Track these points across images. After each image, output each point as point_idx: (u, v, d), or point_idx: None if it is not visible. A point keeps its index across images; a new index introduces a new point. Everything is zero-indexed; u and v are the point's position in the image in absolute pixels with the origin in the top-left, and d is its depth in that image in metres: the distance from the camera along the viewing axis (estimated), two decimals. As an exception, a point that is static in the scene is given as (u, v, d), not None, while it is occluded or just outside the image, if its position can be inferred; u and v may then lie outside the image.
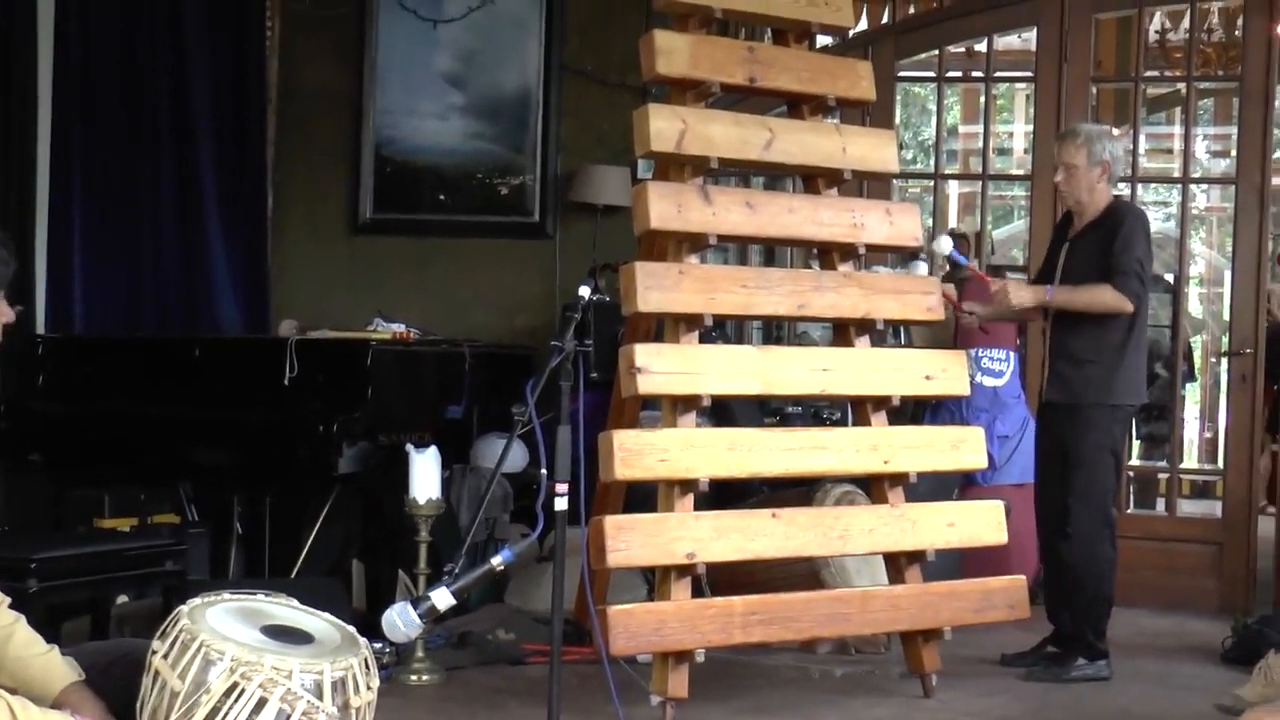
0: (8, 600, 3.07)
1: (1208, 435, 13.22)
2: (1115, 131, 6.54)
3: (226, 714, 2.68)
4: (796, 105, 6.05)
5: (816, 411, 7.44)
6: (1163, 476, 8.95)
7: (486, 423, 7.18)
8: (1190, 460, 7.33)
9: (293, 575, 6.56)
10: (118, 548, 5.70)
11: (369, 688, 2.89)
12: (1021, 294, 6.08)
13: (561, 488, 4.10)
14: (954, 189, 15.23)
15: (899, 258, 7.58)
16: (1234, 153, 8.29)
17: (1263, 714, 2.92)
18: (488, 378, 7.23)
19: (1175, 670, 6.19)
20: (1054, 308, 6.06)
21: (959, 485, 7.09)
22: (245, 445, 6.45)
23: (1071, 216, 6.23)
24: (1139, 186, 8.32)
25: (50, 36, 7.87)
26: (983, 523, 5.87)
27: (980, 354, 7.56)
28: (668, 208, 5.40)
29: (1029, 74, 8.55)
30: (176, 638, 2.81)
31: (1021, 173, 11.82)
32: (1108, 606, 6.02)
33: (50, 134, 7.88)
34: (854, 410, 6.08)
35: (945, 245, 5.99)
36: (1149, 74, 9.27)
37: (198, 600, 2.95)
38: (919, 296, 6.00)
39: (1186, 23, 9.09)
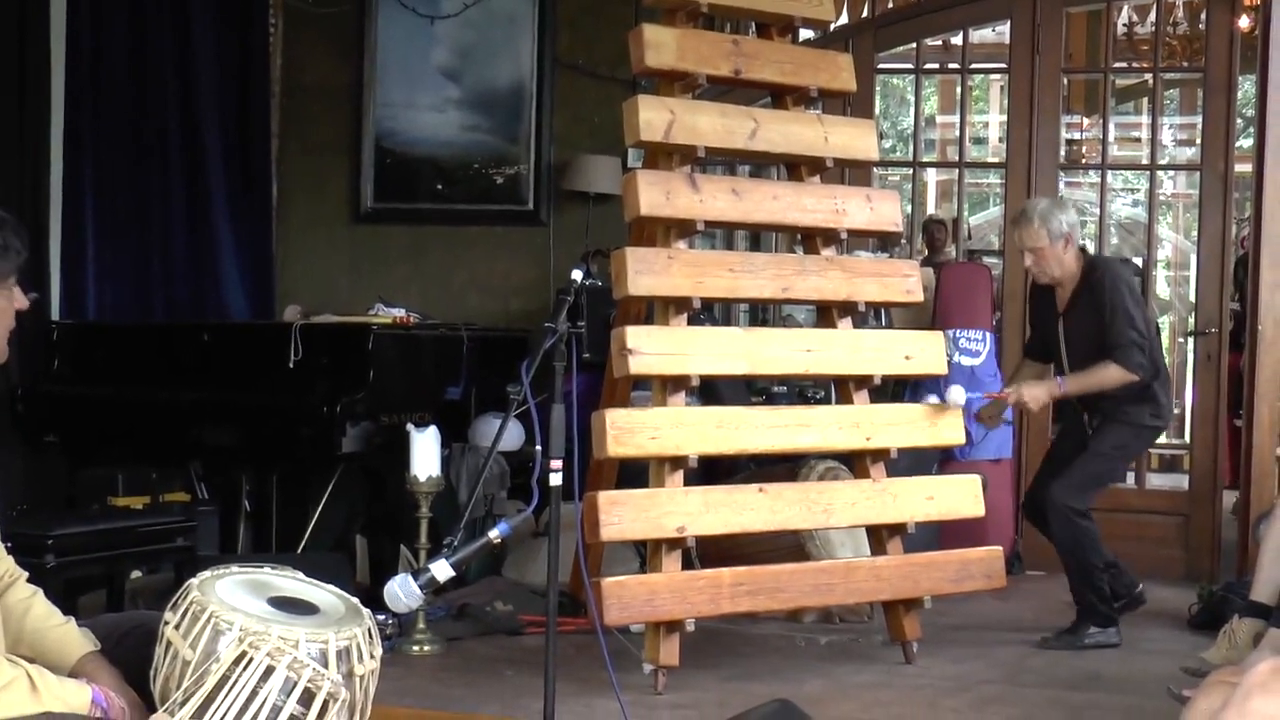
0: (25, 574, 3.11)
1: (1175, 412, 13.28)
2: (1067, 201, 6.62)
3: (235, 681, 2.64)
4: (780, 96, 6.09)
5: (801, 390, 7.46)
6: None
7: (484, 403, 7.21)
8: (1159, 437, 7.42)
9: (299, 550, 6.63)
10: (131, 525, 5.81)
11: (372, 657, 2.88)
12: (1036, 394, 6.12)
13: (556, 464, 4.08)
14: (931, 176, 15.32)
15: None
16: (1199, 141, 8.37)
17: (1226, 675, 3.04)
18: (484, 360, 7.26)
19: (1144, 635, 6.25)
20: (1066, 396, 6.14)
21: (937, 460, 7.18)
22: (252, 426, 6.54)
23: (1047, 288, 6.30)
24: (1109, 173, 8.41)
25: (62, 35, 7.93)
26: (961, 496, 5.93)
27: (958, 334, 7.62)
28: (657, 195, 5.45)
29: (1003, 65, 8.62)
30: (187, 609, 2.81)
31: (996, 160, 11.84)
32: (1102, 572, 6.07)
33: (63, 129, 7.94)
34: (837, 389, 6.13)
35: (959, 397, 6.00)
36: (1118, 65, 9.32)
37: (207, 573, 2.94)
38: (899, 280, 6.04)
39: (1153, 16, 9.09)
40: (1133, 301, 6.08)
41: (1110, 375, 5.97)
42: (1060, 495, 6.02)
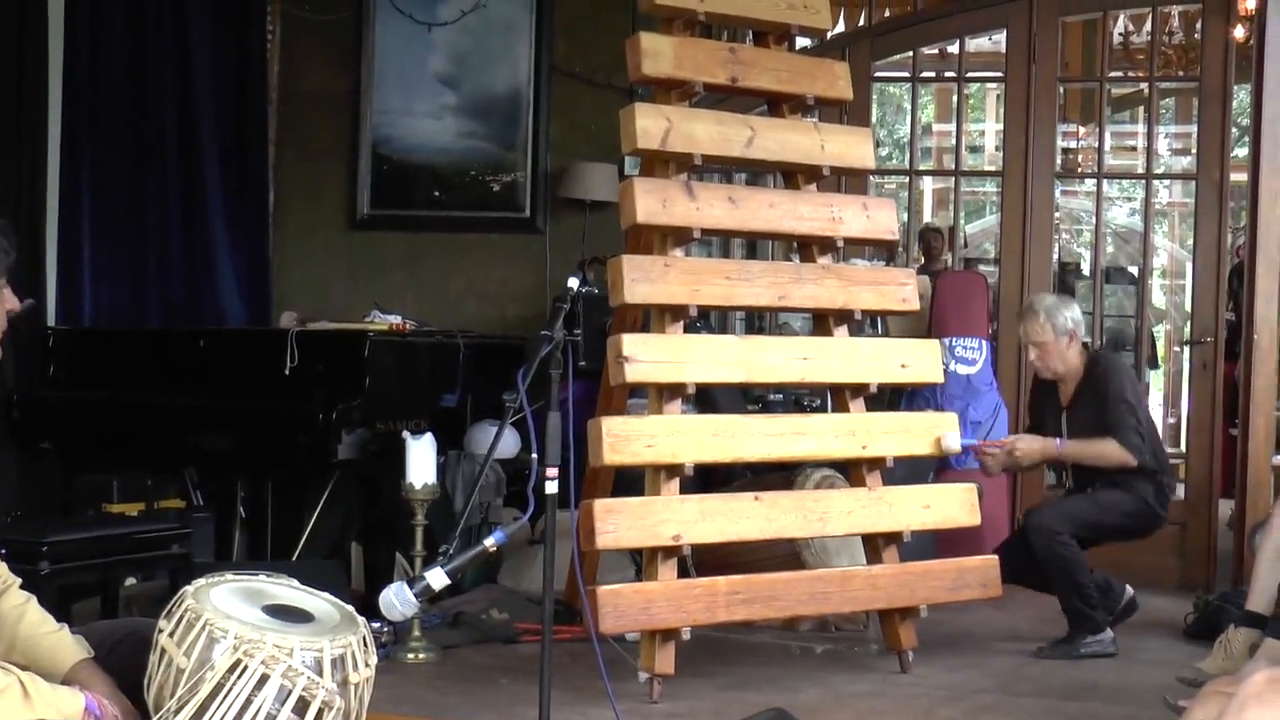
0: (19, 581, 3.12)
1: (1171, 421, 13.26)
2: (1071, 299, 6.63)
3: (230, 690, 2.68)
4: (776, 104, 6.09)
5: (797, 399, 7.43)
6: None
7: (480, 410, 7.19)
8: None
9: (294, 557, 6.65)
10: (126, 531, 5.77)
11: (367, 665, 2.90)
12: (1031, 447, 6.16)
13: (552, 472, 4.09)
14: (928, 184, 15.39)
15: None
16: (1194, 150, 8.38)
17: (1222, 685, 3.05)
18: (481, 367, 7.26)
19: (1140, 645, 6.26)
20: (1064, 460, 6.18)
21: (934, 469, 7.14)
22: (248, 433, 6.52)
23: (1049, 382, 6.36)
24: (1104, 182, 8.41)
25: (60, 41, 7.92)
26: (957, 505, 5.94)
27: (954, 343, 7.62)
28: (653, 203, 5.45)
29: (999, 74, 8.59)
30: (182, 617, 2.82)
31: (993, 169, 11.87)
32: (1089, 582, 6.08)
33: (60, 135, 7.92)
34: (833, 397, 6.14)
35: (954, 443, 6.02)
36: (1113, 74, 9.34)
37: (202, 581, 2.96)
38: (895, 288, 6.04)
39: (1149, 26, 9.14)
40: (1133, 394, 6.20)
41: (1109, 449, 6.05)
42: (1044, 519, 6.08)
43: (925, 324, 7.69)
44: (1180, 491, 7.87)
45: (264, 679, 2.70)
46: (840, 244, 6.01)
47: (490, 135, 8.57)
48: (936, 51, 10.31)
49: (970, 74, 9.56)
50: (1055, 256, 8.55)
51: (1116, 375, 6.18)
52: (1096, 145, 8.76)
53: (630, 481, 5.82)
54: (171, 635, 2.82)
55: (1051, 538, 5.99)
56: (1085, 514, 6.12)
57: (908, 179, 9.89)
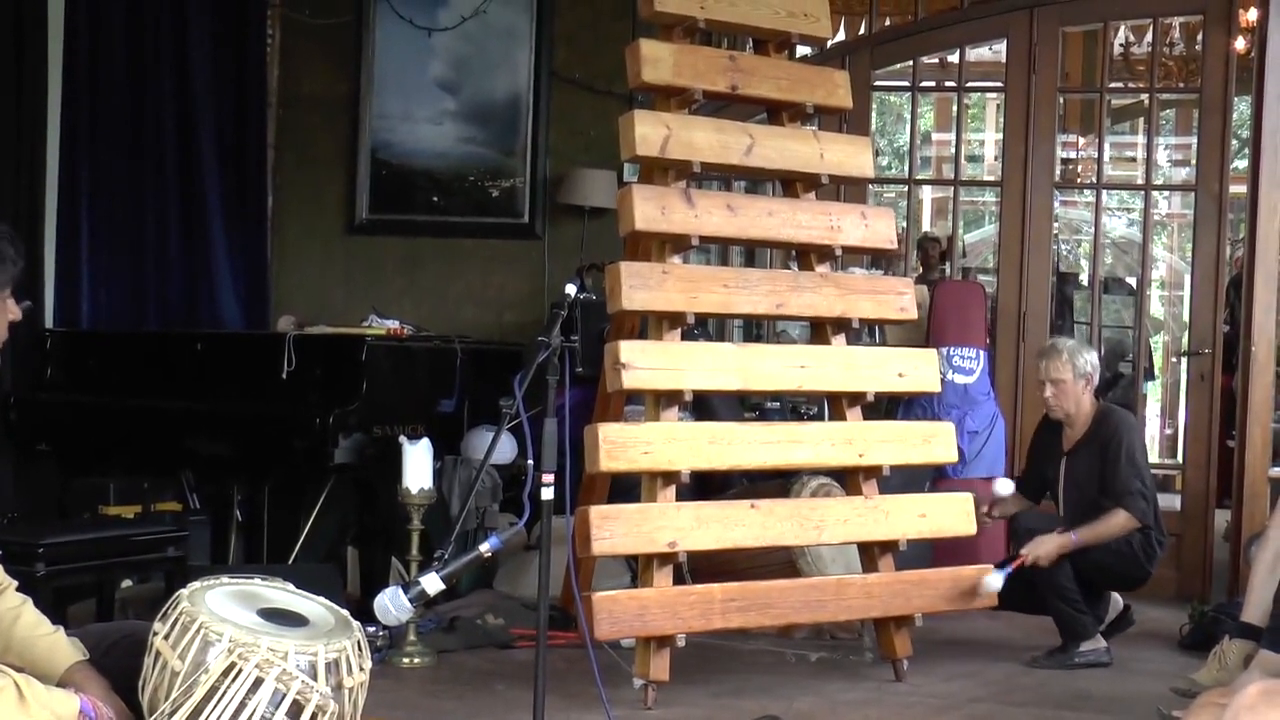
0: (15, 583, 3.13)
1: (1168, 432, 13.27)
2: (1091, 347, 6.67)
3: (224, 693, 2.70)
4: (776, 112, 6.10)
5: (794, 407, 7.47)
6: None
7: (476, 416, 7.21)
8: (1151, 455, 7.42)
9: (290, 561, 6.65)
10: (122, 534, 5.78)
11: (361, 669, 2.92)
12: (1048, 548, 6.03)
13: (548, 478, 4.11)
14: (927, 194, 15.38)
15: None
16: (1194, 161, 8.39)
17: (1216, 697, 3.06)
18: (478, 372, 7.27)
19: (1134, 655, 6.26)
20: (1078, 546, 6.06)
21: (930, 478, 7.18)
22: (245, 436, 6.54)
23: (1055, 423, 6.38)
24: (1104, 193, 8.42)
25: (60, 46, 7.92)
26: (953, 514, 5.94)
27: (951, 352, 7.62)
28: (652, 210, 5.46)
29: (999, 84, 8.61)
30: (177, 620, 2.84)
31: (992, 179, 11.87)
32: (1074, 585, 6.06)
33: (59, 138, 7.93)
34: (830, 405, 6.15)
35: (996, 583, 6.04)
36: (1113, 85, 9.33)
37: (197, 584, 2.97)
38: (893, 297, 6.05)
39: (1149, 37, 9.14)
40: (1141, 453, 6.24)
41: (1119, 522, 6.06)
42: (1028, 520, 6.15)
43: (923, 333, 7.69)
44: (1177, 503, 7.90)
45: (258, 682, 2.71)
46: (839, 252, 6.00)
47: (489, 141, 8.57)
48: (936, 61, 10.31)
49: (970, 83, 9.58)
50: (1054, 266, 8.54)
51: (1127, 434, 6.20)
52: (1096, 156, 8.76)
53: (627, 488, 5.84)
54: (166, 638, 2.84)
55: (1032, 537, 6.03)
56: (1094, 565, 6.11)
57: (907, 188, 9.88)
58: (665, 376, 5.36)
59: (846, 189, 7.45)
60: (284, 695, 2.72)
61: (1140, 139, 13.21)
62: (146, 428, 6.77)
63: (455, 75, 8.61)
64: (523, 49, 8.49)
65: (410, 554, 5.90)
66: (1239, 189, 8.71)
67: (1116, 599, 6.49)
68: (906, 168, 9.91)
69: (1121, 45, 10.87)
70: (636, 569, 5.62)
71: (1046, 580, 6.04)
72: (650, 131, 5.55)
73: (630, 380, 5.27)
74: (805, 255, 6.04)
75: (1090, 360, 6.27)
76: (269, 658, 2.75)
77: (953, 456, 6.19)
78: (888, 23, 8.36)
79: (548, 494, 4.14)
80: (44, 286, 7.81)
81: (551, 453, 4.15)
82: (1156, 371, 12.91)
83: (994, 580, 5.88)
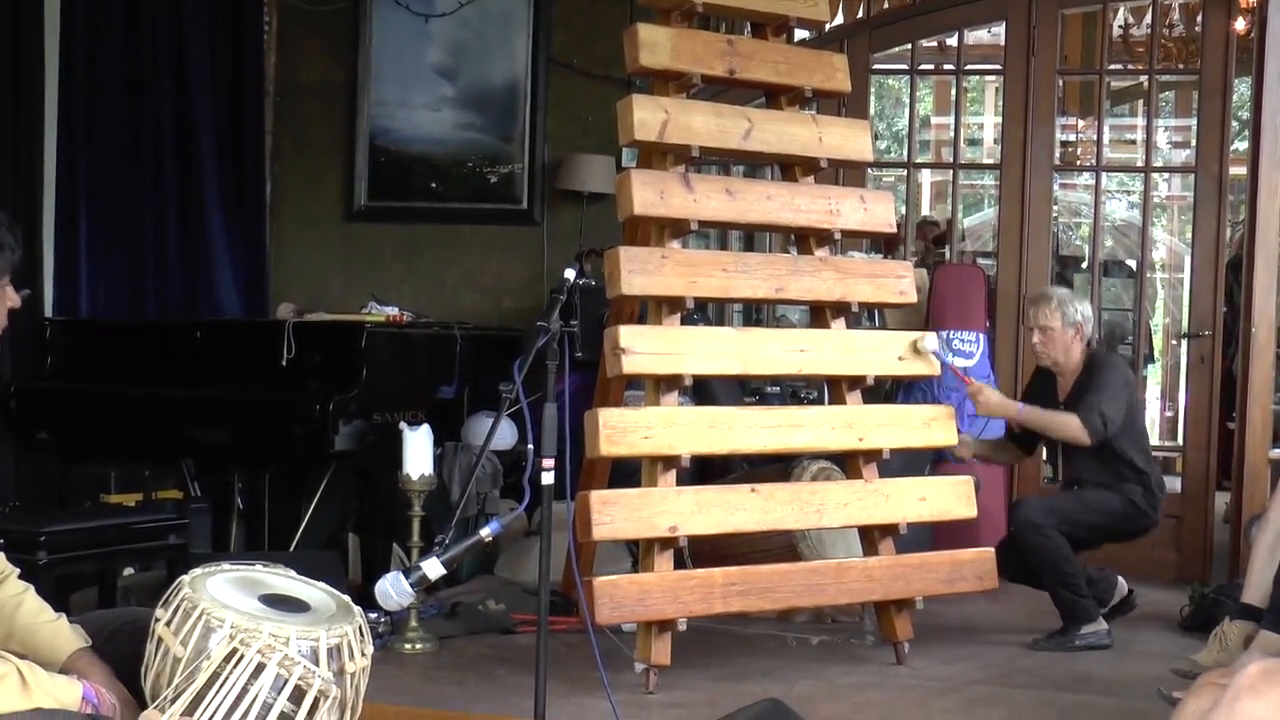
0: (17, 571, 3.12)
1: (1168, 414, 13.26)
2: (1084, 298, 6.67)
3: (226, 679, 2.66)
4: (775, 96, 6.08)
5: (794, 391, 7.48)
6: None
7: (476, 401, 7.23)
8: (1151, 438, 7.42)
9: (291, 548, 6.64)
10: (123, 522, 5.81)
11: (363, 654, 2.90)
12: (992, 399, 6.18)
13: (548, 464, 4.11)
14: (926, 177, 15.37)
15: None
16: (1194, 143, 8.37)
17: (1216, 678, 3.05)
18: (478, 358, 7.28)
19: (1135, 637, 6.26)
20: (1023, 422, 6.20)
21: (930, 461, 7.15)
22: (245, 424, 6.55)
23: (1049, 373, 6.39)
24: (1103, 175, 8.41)
25: (56, 33, 7.92)
26: (953, 497, 5.93)
27: (951, 335, 7.62)
28: (651, 195, 5.44)
29: (998, 67, 8.58)
30: (178, 606, 2.82)
31: (991, 162, 11.84)
32: (1074, 570, 6.08)
33: (57, 126, 7.94)
34: (830, 389, 6.12)
35: (931, 343, 6.05)
36: (1113, 67, 9.30)
37: (199, 570, 2.95)
38: (892, 280, 6.04)
39: (1149, 18, 9.10)
40: (1126, 391, 6.22)
41: (1069, 423, 6.08)
42: (1030, 511, 6.11)
43: (922, 317, 7.68)
44: (1177, 484, 7.89)
45: (260, 668, 2.69)
46: (838, 236, 5.98)
47: (487, 127, 8.56)
48: (935, 44, 10.29)
49: (969, 67, 9.56)
50: (1053, 249, 8.53)
51: (1111, 369, 6.23)
52: (1095, 138, 8.75)
53: (627, 473, 5.83)
54: (168, 624, 2.82)
55: (1034, 529, 6.03)
56: (1070, 510, 6.14)
57: (906, 171, 9.88)
58: (665, 361, 5.35)
59: (845, 173, 7.43)
60: (286, 681, 2.70)
61: (1140, 121, 13.16)
62: (147, 416, 6.77)
63: (453, 61, 8.60)
64: (520, 34, 8.48)
65: (411, 540, 5.90)
66: (1239, 171, 8.70)
67: (1121, 583, 6.51)
68: (905, 151, 9.89)
69: (1121, 27, 10.84)
70: (637, 554, 5.63)
71: (1045, 562, 6.04)
72: (648, 116, 5.53)
73: (630, 365, 5.27)
74: (804, 239, 6.02)
75: (1081, 310, 6.26)
76: (271, 643, 2.73)
77: (953, 440, 6.15)
78: (886, 6, 8.33)
79: (548, 479, 4.13)
80: (43, 275, 7.82)
81: (551, 438, 4.15)
82: (1156, 354, 12.92)
83: (932, 341, 6.01)
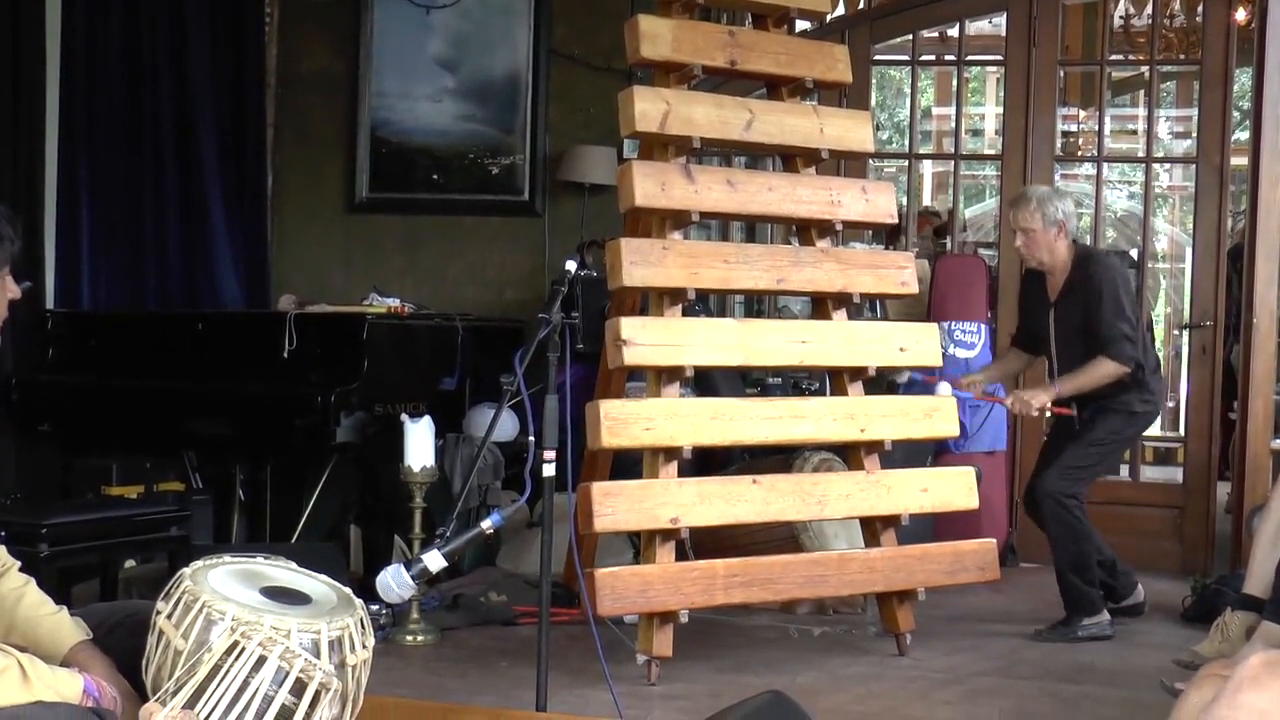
0: (18, 564, 3.13)
1: (1170, 404, 13.30)
2: (1067, 194, 6.64)
3: (227, 671, 2.68)
4: (775, 87, 6.08)
5: (796, 382, 7.44)
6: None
7: (478, 393, 7.23)
8: (1153, 427, 7.43)
9: (292, 540, 6.67)
10: (125, 514, 5.76)
11: (365, 646, 2.90)
12: (1038, 399, 6.13)
13: (550, 455, 4.14)
14: (927, 168, 15.38)
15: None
16: (1195, 134, 8.36)
17: (1218, 668, 3.06)
18: (479, 350, 7.28)
19: (1137, 628, 6.29)
20: (1063, 396, 6.13)
21: (932, 452, 7.17)
22: (247, 416, 6.53)
23: (1038, 274, 6.37)
24: (1104, 166, 8.41)
25: (57, 24, 7.90)
26: (955, 488, 5.94)
27: (953, 326, 7.64)
28: (652, 186, 5.44)
29: (999, 58, 8.58)
30: (180, 599, 2.82)
31: (992, 153, 11.82)
32: (1093, 552, 6.12)
33: (58, 118, 7.92)
34: (832, 380, 6.13)
35: (944, 390, 6.07)
36: (1114, 58, 9.30)
37: (200, 563, 2.96)
38: (894, 271, 6.03)
39: (1149, 9, 9.12)
40: (1125, 293, 6.14)
41: (1104, 370, 6.04)
42: (1050, 483, 6.08)
43: (924, 308, 7.68)
44: (1179, 475, 7.89)
45: (261, 661, 2.70)
46: (839, 227, 5.99)
47: (489, 119, 8.55)
48: (936, 35, 10.29)
49: (970, 57, 9.54)
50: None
51: (1108, 275, 6.14)
52: (1096, 129, 8.75)
53: (629, 464, 5.83)
54: (169, 617, 2.82)
55: (1060, 501, 6.03)
56: (1087, 459, 6.15)
57: (907, 162, 9.87)
58: (666, 353, 5.35)
59: (847, 164, 7.46)
60: (287, 673, 2.71)
61: (1141, 111, 13.15)
62: (148, 408, 6.76)
63: (454, 53, 8.59)
64: (521, 26, 8.48)
65: (412, 532, 5.90)
66: (1240, 161, 8.70)
67: (1140, 589, 6.49)
68: (907, 142, 9.90)
69: (1121, 17, 10.83)
70: (639, 545, 5.62)
71: (1068, 538, 6.05)
72: (649, 107, 5.53)
73: (631, 356, 5.27)
74: (806, 230, 6.02)
75: (1062, 208, 6.18)
76: (272, 636, 2.73)
77: (954, 431, 6.14)
78: (887, -4, 8.35)
79: (549, 471, 4.16)
80: (45, 268, 7.81)
81: (553, 430, 4.18)
82: (1158, 345, 12.91)
83: (945, 389, 6.08)
